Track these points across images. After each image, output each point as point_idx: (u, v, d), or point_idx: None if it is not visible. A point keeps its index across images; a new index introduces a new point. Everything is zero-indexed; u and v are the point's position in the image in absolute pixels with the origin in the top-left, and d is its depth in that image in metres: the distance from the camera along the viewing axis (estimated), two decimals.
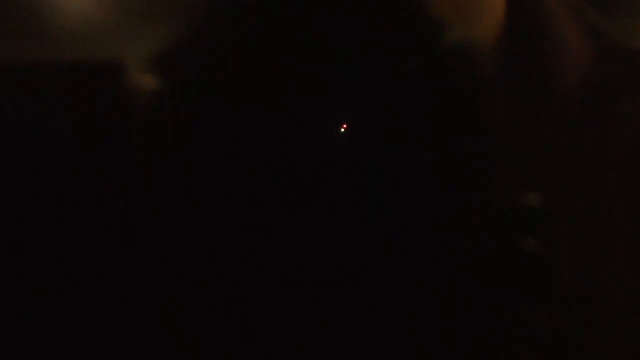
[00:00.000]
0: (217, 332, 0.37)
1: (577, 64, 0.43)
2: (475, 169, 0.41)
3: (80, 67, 0.36)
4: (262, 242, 0.37)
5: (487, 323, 0.41)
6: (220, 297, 0.37)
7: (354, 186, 0.38)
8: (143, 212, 0.37)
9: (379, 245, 0.39)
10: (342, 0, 0.37)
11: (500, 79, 0.42)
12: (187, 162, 0.37)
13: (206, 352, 0.37)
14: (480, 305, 0.40)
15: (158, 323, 0.37)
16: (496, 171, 0.41)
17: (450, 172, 0.40)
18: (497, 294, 0.41)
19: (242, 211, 0.37)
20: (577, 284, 0.42)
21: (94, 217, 0.36)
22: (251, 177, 0.37)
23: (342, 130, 0.38)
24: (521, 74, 0.42)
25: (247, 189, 0.37)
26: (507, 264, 0.41)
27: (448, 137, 0.39)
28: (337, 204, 0.38)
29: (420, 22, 0.38)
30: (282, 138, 0.38)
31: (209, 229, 0.37)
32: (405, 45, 0.38)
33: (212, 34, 0.38)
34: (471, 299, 0.40)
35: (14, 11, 0.36)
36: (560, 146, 0.42)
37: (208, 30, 0.38)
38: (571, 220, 0.43)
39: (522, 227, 0.41)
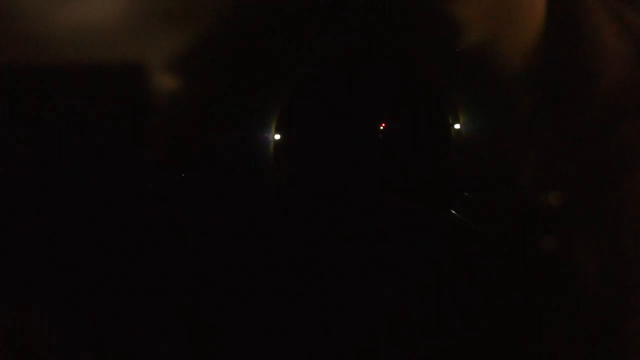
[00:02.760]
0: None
1: (616, 65, 0.43)
2: (498, 169, 0.41)
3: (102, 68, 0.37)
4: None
5: (507, 321, 0.40)
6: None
7: (380, 185, 0.39)
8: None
9: (404, 243, 0.39)
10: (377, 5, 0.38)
11: (539, 80, 0.42)
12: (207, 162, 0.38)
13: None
14: (500, 304, 0.40)
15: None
16: (521, 171, 0.41)
17: (473, 171, 0.40)
18: (517, 294, 0.40)
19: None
20: (598, 285, 0.42)
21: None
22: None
23: (378, 129, 0.39)
24: (559, 74, 0.43)
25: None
26: (528, 263, 0.41)
27: (472, 137, 0.40)
28: (369, 202, 0.39)
29: (457, 24, 0.39)
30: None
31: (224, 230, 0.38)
32: (440, 47, 0.39)
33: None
34: (491, 298, 0.40)
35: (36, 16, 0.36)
36: (593, 146, 0.42)
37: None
38: (595, 221, 0.42)
39: (542, 226, 0.41)
